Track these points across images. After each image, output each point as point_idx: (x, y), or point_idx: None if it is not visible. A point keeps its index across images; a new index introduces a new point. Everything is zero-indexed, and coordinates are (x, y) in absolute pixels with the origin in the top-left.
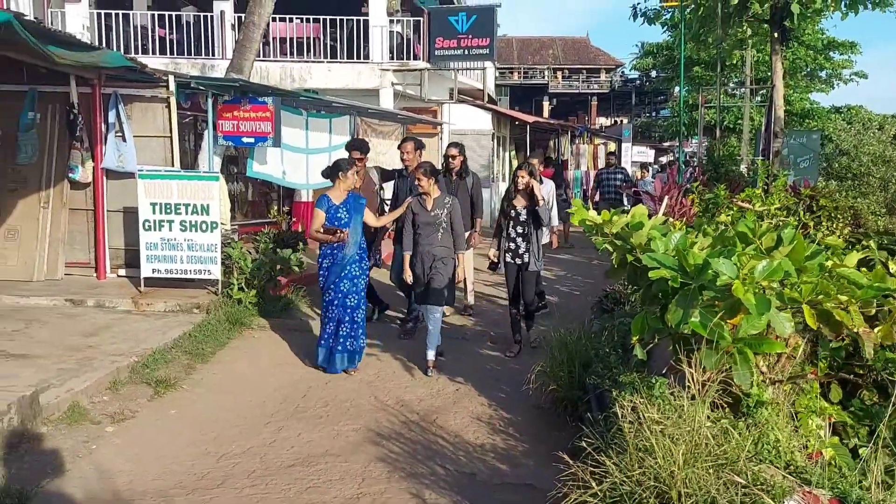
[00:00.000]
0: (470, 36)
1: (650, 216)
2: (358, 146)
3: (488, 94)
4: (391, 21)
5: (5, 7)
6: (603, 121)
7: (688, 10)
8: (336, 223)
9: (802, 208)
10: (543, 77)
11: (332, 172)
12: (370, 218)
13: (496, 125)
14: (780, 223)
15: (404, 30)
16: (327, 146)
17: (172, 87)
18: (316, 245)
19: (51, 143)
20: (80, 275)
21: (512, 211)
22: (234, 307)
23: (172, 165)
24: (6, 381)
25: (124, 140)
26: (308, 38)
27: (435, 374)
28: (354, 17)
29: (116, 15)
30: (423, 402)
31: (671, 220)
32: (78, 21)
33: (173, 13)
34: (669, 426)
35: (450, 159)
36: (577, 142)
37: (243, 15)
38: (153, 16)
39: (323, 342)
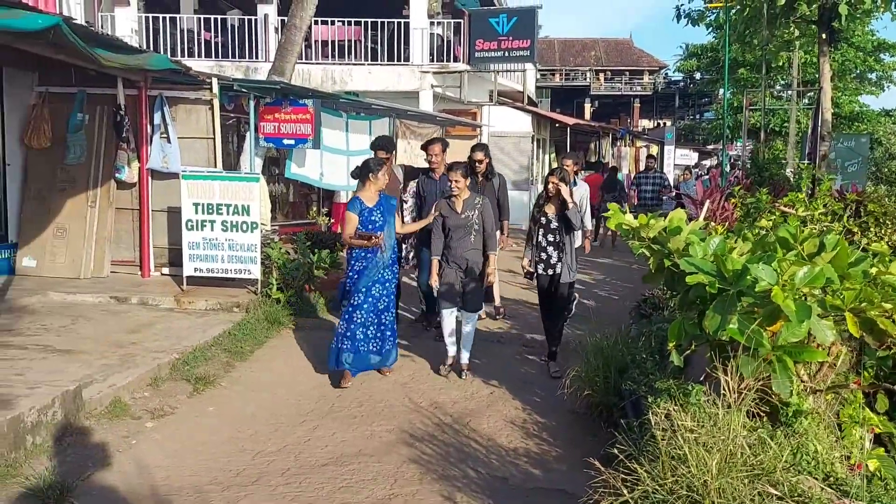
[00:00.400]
0: (510, 38)
1: (690, 220)
2: (383, 145)
3: (528, 96)
4: (432, 23)
5: (57, 11)
6: (646, 123)
7: (733, 11)
8: (370, 227)
9: (848, 213)
10: (585, 79)
11: (361, 173)
12: (396, 222)
13: (536, 127)
14: (825, 229)
15: (444, 32)
16: (367, 148)
17: (216, 89)
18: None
19: (98, 143)
20: (126, 273)
21: (542, 218)
22: (272, 307)
23: (215, 166)
24: (52, 376)
25: (169, 141)
26: (349, 41)
27: (469, 376)
28: (395, 20)
29: (164, 18)
30: (456, 404)
31: (712, 224)
32: (127, 24)
33: (219, 16)
34: (703, 434)
35: (476, 163)
36: (618, 144)
37: (286, 18)
38: (199, 19)
39: (346, 346)
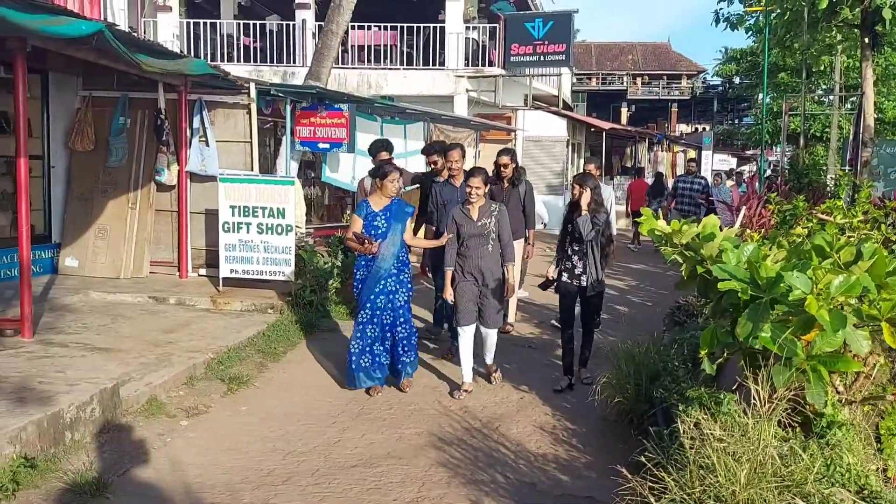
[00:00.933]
0: (546, 42)
1: (725, 227)
2: (384, 146)
3: (564, 101)
4: (467, 28)
5: (101, 17)
6: (683, 128)
7: (773, 14)
8: (372, 231)
9: (889, 221)
10: (622, 83)
11: (374, 174)
12: (407, 232)
13: (571, 132)
14: (863, 237)
15: (480, 36)
16: (403, 152)
17: (253, 93)
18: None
19: (139, 146)
20: (164, 273)
21: (569, 226)
22: (305, 309)
23: (252, 170)
24: (91, 374)
25: (207, 145)
26: (385, 46)
27: (499, 382)
28: (431, 25)
29: (205, 24)
30: (486, 409)
31: (749, 231)
32: (169, 30)
33: (258, 22)
34: (732, 444)
35: (501, 168)
36: (654, 149)
37: (323, 23)
38: (239, 25)
39: (364, 364)
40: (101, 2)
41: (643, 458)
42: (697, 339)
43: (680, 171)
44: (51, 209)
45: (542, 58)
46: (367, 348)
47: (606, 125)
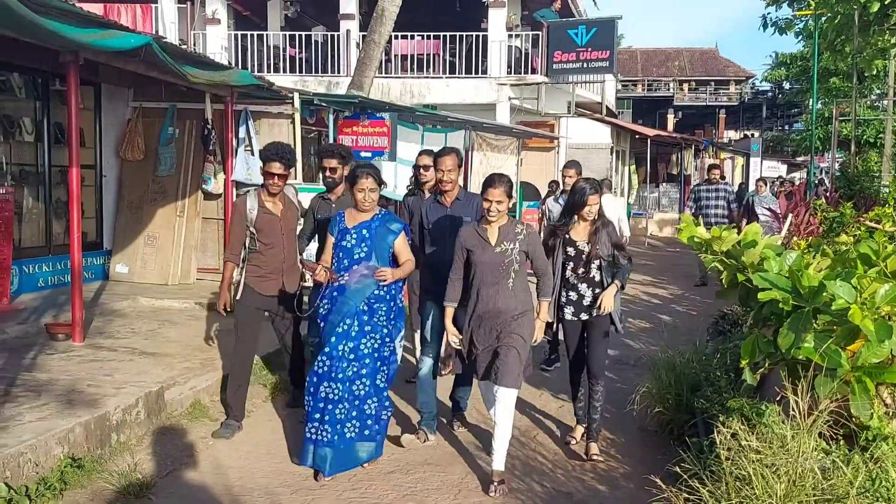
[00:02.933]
0: (589, 49)
1: (768, 235)
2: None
3: (607, 107)
4: (510, 35)
5: (153, 31)
6: (732, 134)
7: (823, 18)
8: (340, 254)
9: None
10: (668, 89)
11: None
12: (402, 265)
13: (615, 139)
14: None
15: (523, 44)
16: None
17: (297, 103)
18: None
19: (187, 155)
20: (210, 280)
21: (570, 247)
22: None
23: (295, 178)
24: (137, 377)
25: (253, 154)
26: (428, 55)
27: (500, 496)
28: (474, 33)
29: (252, 35)
30: (523, 417)
31: (795, 239)
32: (217, 42)
33: (303, 33)
34: (770, 455)
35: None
36: (701, 156)
37: (366, 33)
38: (285, 36)
39: (315, 433)
40: (153, 16)
41: (679, 469)
42: (740, 349)
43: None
44: (102, 217)
45: (585, 64)
46: (323, 411)
47: (651, 132)
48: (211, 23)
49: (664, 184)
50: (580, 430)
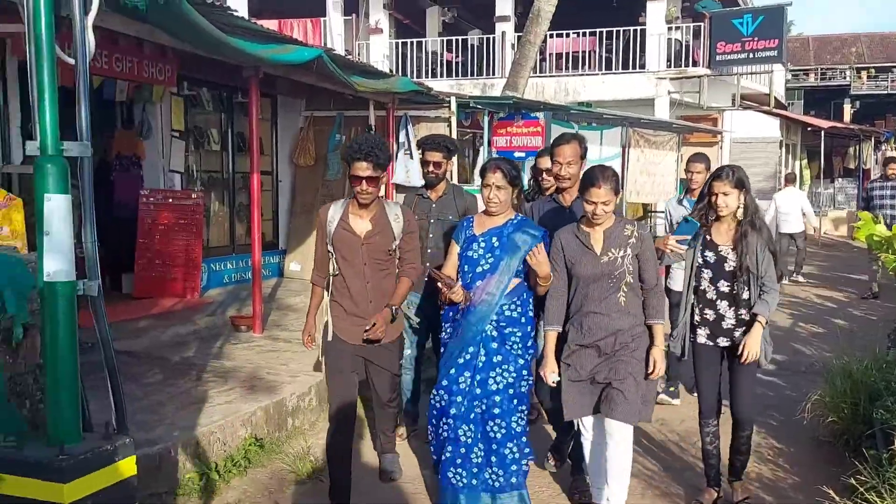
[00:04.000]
0: (756, 38)
1: None
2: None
3: (776, 99)
4: (669, 28)
5: (322, 43)
6: None
7: None
8: (465, 267)
9: None
10: (844, 78)
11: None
12: (539, 271)
13: (785, 132)
14: None
15: (683, 36)
16: (597, 158)
17: (454, 107)
18: None
19: None
20: None
21: (709, 252)
22: None
23: (451, 180)
24: (310, 367)
25: (411, 157)
26: (583, 52)
27: None
28: (631, 28)
29: (412, 43)
30: (684, 422)
31: None
32: (380, 50)
33: (460, 37)
34: None
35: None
36: (882, 148)
37: (521, 34)
38: (443, 41)
39: (440, 468)
40: (322, 28)
41: (854, 481)
42: None
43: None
44: (278, 219)
45: (751, 55)
46: (448, 451)
47: (825, 124)
48: (374, 32)
49: (840, 179)
50: (712, 495)
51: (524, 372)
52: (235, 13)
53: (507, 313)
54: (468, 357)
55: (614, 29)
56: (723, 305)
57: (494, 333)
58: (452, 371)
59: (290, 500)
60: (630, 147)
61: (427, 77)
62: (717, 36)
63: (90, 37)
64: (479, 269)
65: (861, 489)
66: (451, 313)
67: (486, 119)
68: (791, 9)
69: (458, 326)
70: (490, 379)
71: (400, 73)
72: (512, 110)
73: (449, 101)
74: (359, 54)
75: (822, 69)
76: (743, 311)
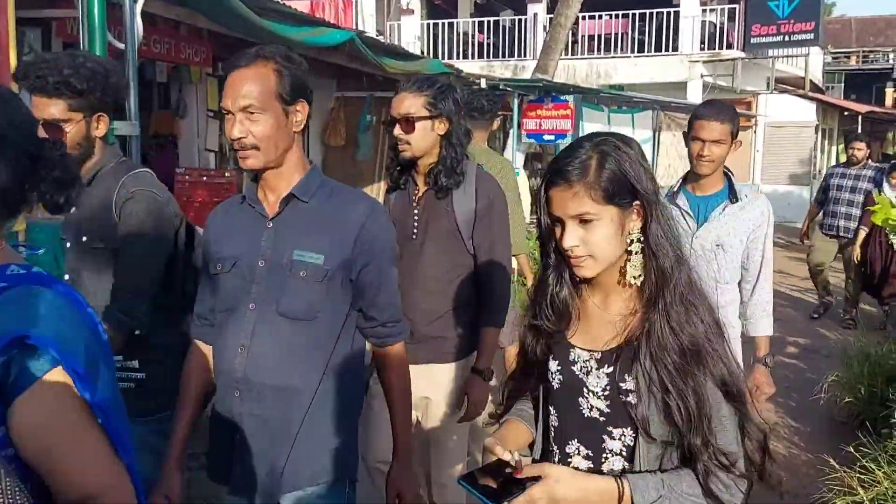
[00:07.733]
0: (792, 21)
1: None
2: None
3: (812, 82)
4: (703, 10)
5: (353, 24)
6: None
7: None
8: None
9: None
10: (888, 60)
11: None
12: None
13: (821, 116)
14: None
15: (717, 18)
16: None
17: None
18: None
19: (382, 141)
20: None
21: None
22: None
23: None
24: None
25: None
26: (616, 34)
27: None
28: (664, 10)
29: (443, 24)
30: None
31: None
32: (411, 31)
33: (491, 19)
34: None
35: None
36: None
37: (553, 15)
38: (474, 23)
39: None
40: (353, 8)
41: (852, 450)
42: None
43: None
44: None
45: (786, 37)
46: None
47: (863, 108)
48: (406, 13)
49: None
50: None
51: None
52: None
53: None
54: None
55: (647, 11)
56: None
57: None
58: None
59: None
60: (661, 131)
61: (458, 58)
62: (752, 18)
63: (139, 23)
64: None
65: (863, 461)
66: None
67: (516, 101)
68: None
69: None
70: None
71: (431, 54)
72: (542, 93)
73: (478, 84)
74: (390, 35)
75: (864, 52)
76: None
